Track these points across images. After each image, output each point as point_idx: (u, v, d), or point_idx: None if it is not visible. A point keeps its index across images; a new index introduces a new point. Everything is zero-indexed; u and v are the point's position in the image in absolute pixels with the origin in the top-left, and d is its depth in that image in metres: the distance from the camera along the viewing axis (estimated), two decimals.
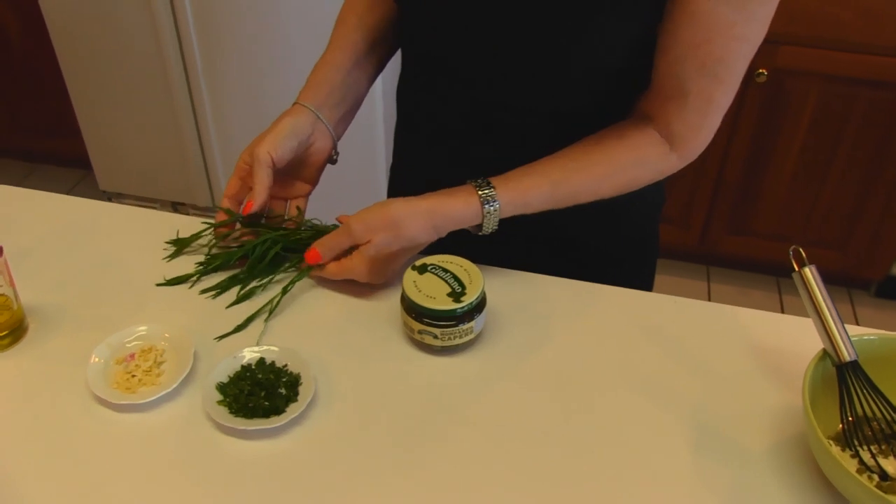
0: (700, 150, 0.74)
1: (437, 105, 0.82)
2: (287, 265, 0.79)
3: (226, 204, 0.80)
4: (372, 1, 0.85)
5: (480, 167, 0.73)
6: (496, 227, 0.72)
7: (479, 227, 0.72)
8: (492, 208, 0.70)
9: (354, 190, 1.71)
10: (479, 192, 0.70)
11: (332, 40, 0.85)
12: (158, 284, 0.78)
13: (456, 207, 0.71)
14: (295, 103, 0.81)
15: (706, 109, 0.70)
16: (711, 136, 0.73)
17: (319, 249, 0.75)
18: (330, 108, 0.82)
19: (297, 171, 0.83)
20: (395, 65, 0.89)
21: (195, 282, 0.78)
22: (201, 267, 0.79)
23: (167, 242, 0.83)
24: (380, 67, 0.88)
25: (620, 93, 0.75)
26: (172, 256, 0.81)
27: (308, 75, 0.84)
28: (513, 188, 0.71)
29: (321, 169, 0.85)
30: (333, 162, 0.86)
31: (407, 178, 0.93)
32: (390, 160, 0.97)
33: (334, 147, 0.84)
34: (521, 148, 0.75)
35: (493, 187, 0.71)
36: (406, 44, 0.85)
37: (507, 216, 0.72)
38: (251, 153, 0.78)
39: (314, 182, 0.85)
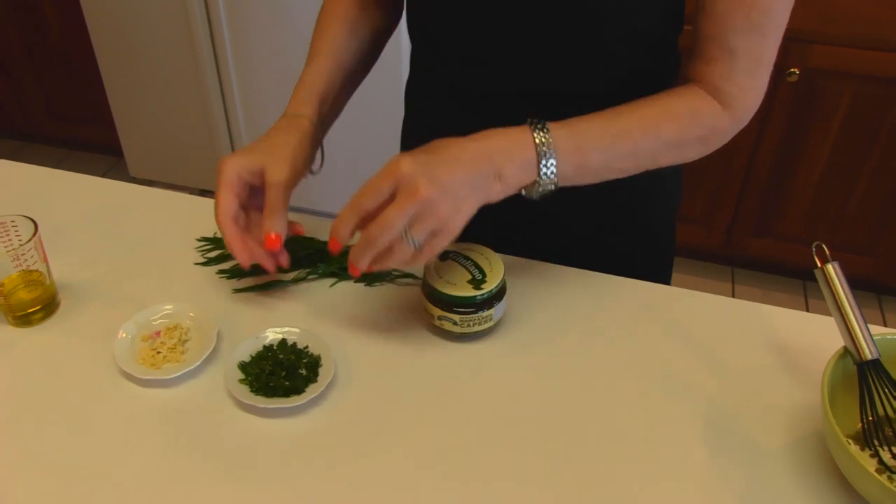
0: (751, 112, 0.71)
1: (455, 99, 0.81)
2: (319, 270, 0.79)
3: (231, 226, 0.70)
4: (354, 22, 0.81)
5: None
6: (554, 172, 0.64)
7: (538, 162, 0.64)
8: (541, 124, 0.65)
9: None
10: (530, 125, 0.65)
11: (321, 51, 0.79)
12: (197, 264, 0.79)
13: (500, 130, 0.65)
14: (297, 116, 0.75)
15: (754, 69, 0.68)
16: (761, 98, 0.70)
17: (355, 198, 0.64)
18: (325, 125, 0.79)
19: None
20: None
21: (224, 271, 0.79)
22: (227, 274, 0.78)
23: (198, 240, 0.83)
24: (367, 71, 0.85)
25: (653, 73, 0.74)
26: (210, 262, 0.80)
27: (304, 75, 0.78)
28: (565, 121, 0.66)
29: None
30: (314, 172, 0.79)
31: None
32: None
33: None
34: None
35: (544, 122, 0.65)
36: (419, 38, 0.83)
37: (564, 148, 0.65)
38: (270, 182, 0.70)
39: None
